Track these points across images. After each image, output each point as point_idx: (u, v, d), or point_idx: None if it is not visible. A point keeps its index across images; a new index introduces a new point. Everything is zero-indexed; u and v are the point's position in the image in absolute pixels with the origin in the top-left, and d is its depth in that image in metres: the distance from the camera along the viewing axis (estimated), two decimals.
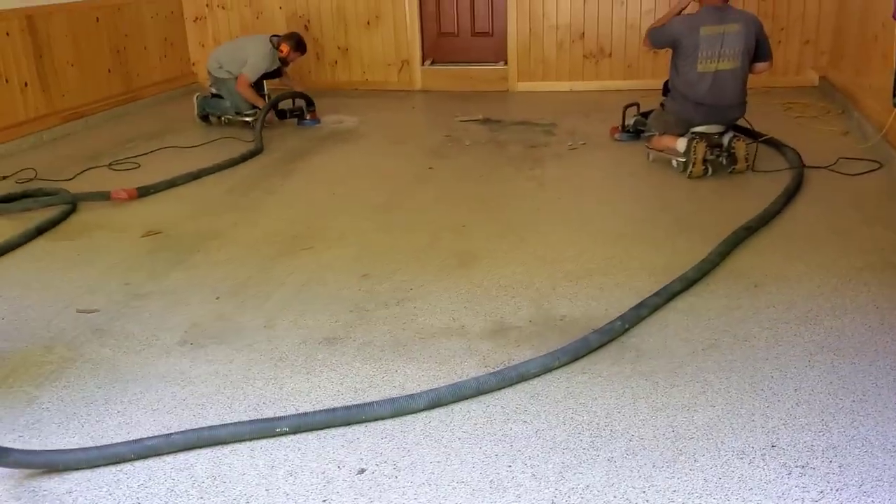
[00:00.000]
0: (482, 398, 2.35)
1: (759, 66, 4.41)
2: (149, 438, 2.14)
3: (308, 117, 6.16)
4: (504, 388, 2.39)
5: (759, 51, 4.33)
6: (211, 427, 2.18)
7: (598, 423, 2.21)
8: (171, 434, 2.15)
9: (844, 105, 5.70)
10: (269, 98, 6.04)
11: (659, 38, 4.46)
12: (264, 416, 2.28)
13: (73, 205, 4.25)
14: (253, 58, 5.87)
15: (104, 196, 4.39)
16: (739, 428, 2.16)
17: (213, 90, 6.11)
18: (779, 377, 2.41)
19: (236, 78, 5.90)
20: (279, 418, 2.22)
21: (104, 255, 3.61)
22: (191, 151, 5.45)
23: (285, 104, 6.14)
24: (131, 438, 2.18)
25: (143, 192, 4.48)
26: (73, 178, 4.84)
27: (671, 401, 2.30)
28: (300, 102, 6.17)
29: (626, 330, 2.70)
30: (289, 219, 4.03)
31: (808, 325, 2.72)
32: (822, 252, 3.33)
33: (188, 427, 2.23)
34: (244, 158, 5.16)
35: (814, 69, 6.72)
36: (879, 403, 2.25)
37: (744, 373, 2.44)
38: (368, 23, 7.41)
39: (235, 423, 2.20)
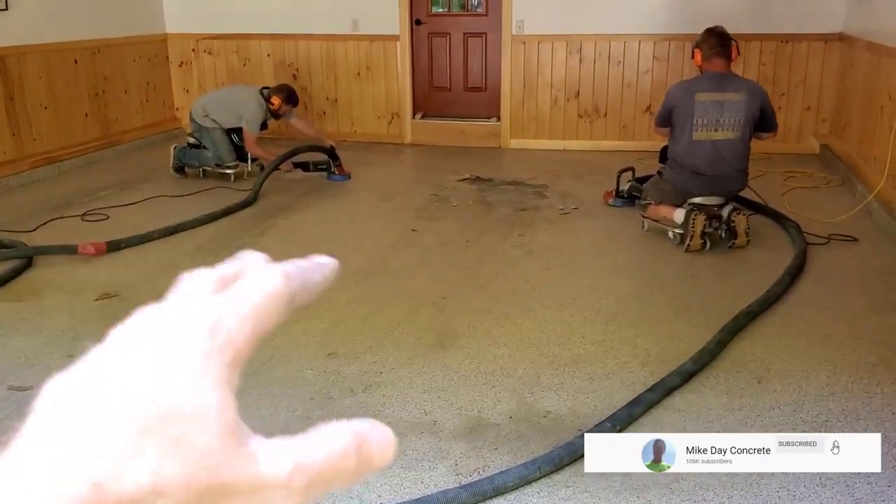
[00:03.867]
0: None
1: (765, 134, 4.22)
2: None
3: (336, 172, 5.89)
4: (477, 503, 2.10)
5: (763, 121, 4.13)
6: None
7: None
8: None
9: (846, 175, 5.50)
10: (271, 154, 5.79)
11: (660, 113, 4.28)
12: None
13: (28, 260, 3.97)
14: (249, 112, 5.63)
15: (71, 250, 4.10)
16: None
17: (192, 140, 5.84)
18: (787, 498, 2.13)
19: (222, 129, 5.67)
20: None
21: (52, 320, 3.32)
22: (167, 202, 5.21)
23: (307, 157, 5.87)
24: None
25: (114, 247, 4.19)
26: (36, 229, 4.57)
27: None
28: (321, 155, 5.90)
29: (617, 432, 2.43)
30: None
31: (817, 431, 2.45)
32: (830, 343, 3.07)
33: None
34: (233, 210, 4.92)
35: (815, 137, 6.54)
36: None
37: (747, 490, 2.16)
38: (359, 73, 7.23)
39: None
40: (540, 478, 2.20)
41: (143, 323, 0.31)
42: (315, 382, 2.76)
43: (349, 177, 5.91)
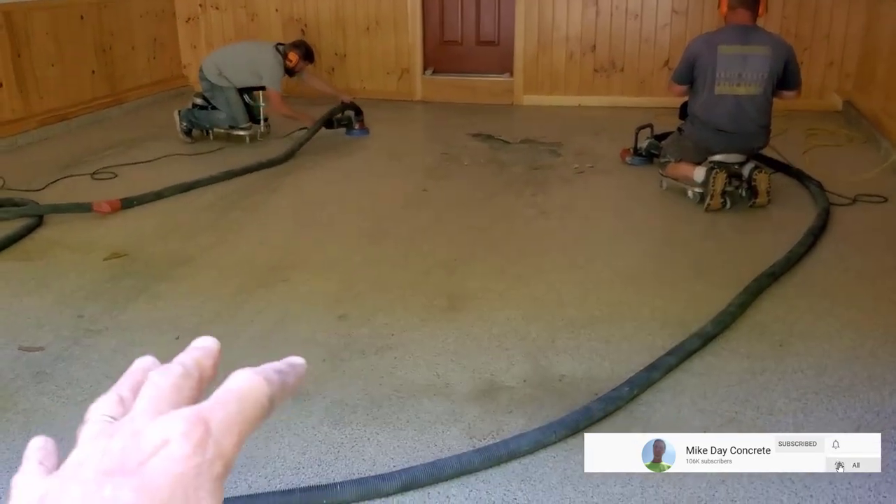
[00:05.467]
0: (465, 479, 2.02)
1: (787, 93, 4.07)
2: None
3: (357, 127, 5.83)
4: (490, 467, 2.06)
5: (787, 77, 3.99)
6: None
7: None
8: None
9: (870, 133, 5.36)
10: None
11: (679, 68, 4.13)
12: None
13: (39, 219, 3.93)
14: (269, 71, 5.44)
15: (85, 208, 4.05)
16: None
17: (198, 101, 5.66)
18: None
19: (236, 88, 5.52)
20: (225, 501, 1.88)
21: (61, 279, 3.28)
22: (180, 160, 5.14)
23: (329, 112, 5.76)
24: None
25: (128, 204, 4.15)
26: (45, 187, 4.52)
27: (685, 492, 1.96)
28: (348, 112, 5.83)
29: (635, 396, 2.37)
30: (268, 244, 3.70)
31: (841, 397, 2.38)
32: (855, 304, 2.99)
33: None
34: (257, 168, 4.87)
35: (838, 93, 6.37)
36: None
37: None
38: (368, 28, 7.08)
39: None
40: (556, 442, 2.15)
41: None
42: (326, 344, 2.71)
43: (368, 132, 5.83)
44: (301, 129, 5.57)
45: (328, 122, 5.71)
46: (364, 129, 5.85)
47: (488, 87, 7.11)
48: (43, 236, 3.79)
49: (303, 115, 5.60)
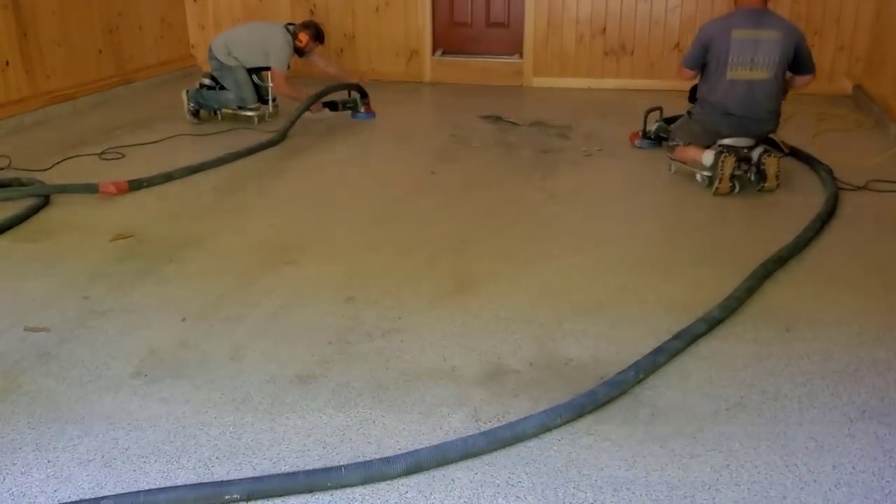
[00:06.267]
0: (470, 462, 2.02)
1: (801, 79, 4.04)
2: None
3: (362, 110, 5.81)
4: (495, 450, 2.06)
5: (799, 63, 3.96)
6: (149, 492, 1.86)
7: (603, 503, 1.87)
8: (102, 499, 1.83)
9: (879, 117, 5.32)
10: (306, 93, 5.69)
11: (691, 53, 4.08)
12: (214, 478, 1.96)
13: (45, 199, 3.93)
14: (277, 51, 5.43)
15: (92, 189, 4.06)
16: None
17: (206, 81, 5.65)
18: (815, 449, 2.07)
19: (245, 68, 5.50)
20: (230, 482, 1.89)
21: (67, 261, 3.29)
22: (187, 141, 5.14)
23: (335, 95, 5.76)
24: (56, 501, 1.86)
25: (136, 186, 4.15)
26: (51, 167, 4.52)
27: (690, 476, 1.96)
28: (354, 94, 5.82)
29: (641, 380, 2.37)
30: (275, 226, 3.70)
31: (847, 382, 2.38)
32: (862, 291, 2.98)
33: (125, 487, 1.92)
34: (258, 149, 4.87)
35: (847, 77, 6.32)
36: None
37: (774, 442, 2.10)
38: (377, 9, 7.05)
39: (178, 488, 1.87)
40: (561, 425, 2.15)
41: None
42: (333, 327, 2.72)
43: (374, 115, 5.81)
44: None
45: (332, 105, 5.70)
46: (370, 112, 5.83)
47: (498, 69, 7.08)
48: (49, 217, 3.80)
49: (304, 95, 5.58)
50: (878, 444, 2.09)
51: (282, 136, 5.13)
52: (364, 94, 5.82)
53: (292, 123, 5.25)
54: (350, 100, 5.79)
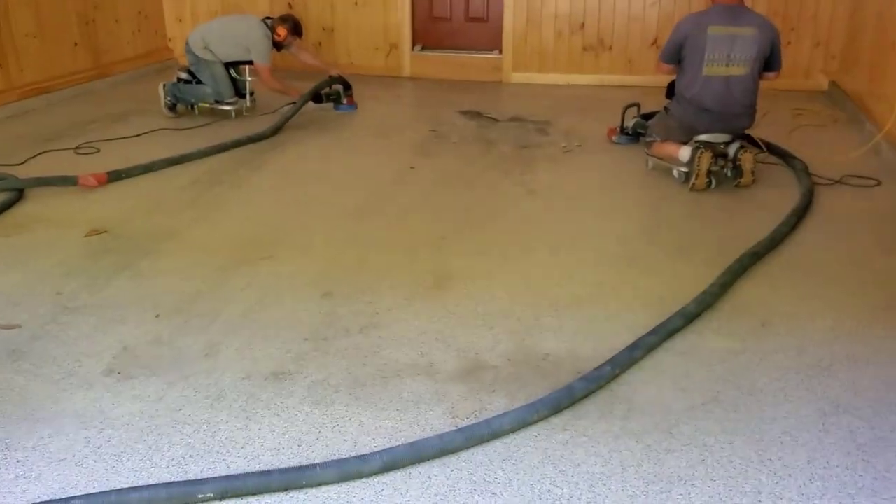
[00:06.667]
0: (447, 459, 2.01)
1: (768, 74, 4.07)
2: None
3: (345, 102, 5.79)
4: (472, 447, 2.06)
5: (770, 59, 3.98)
6: (120, 491, 1.84)
7: (579, 499, 1.87)
8: (72, 499, 1.81)
9: (854, 114, 5.37)
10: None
11: (667, 48, 4.10)
12: (188, 476, 1.94)
13: (19, 193, 3.88)
14: (257, 45, 5.37)
15: (71, 181, 4.02)
16: None
17: (183, 75, 5.59)
18: (789, 444, 2.08)
19: (222, 62, 5.44)
20: (203, 481, 1.88)
21: (40, 256, 3.24)
22: (165, 135, 5.10)
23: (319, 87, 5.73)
24: (24, 502, 1.84)
25: (115, 178, 4.12)
26: (25, 161, 4.46)
27: (665, 471, 1.97)
28: (337, 86, 5.79)
29: (617, 376, 2.37)
30: (252, 221, 3.67)
31: (821, 377, 2.40)
32: (836, 286, 3.00)
33: (97, 487, 1.89)
34: (246, 142, 4.87)
35: (823, 73, 6.37)
36: None
37: (749, 437, 2.11)
38: (356, 2, 7.01)
39: (150, 487, 1.85)
40: (538, 421, 2.15)
41: None
42: (310, 323, 2.70)
43: (356, 107, 5.80)
44: (289, 103, 5.53)
45: (316, 97, 5.67)
46: (352, 104, 5.82)
47: (477, 64, 7.07)
48: (23, 211, 3.75)
49: (292, 89, 5.56)
50: (852, 437, 2.11)
51: (275, 130, 5.11)
52: (348, 87, 5.80)
53: (287, 119, 5.24)
54: (333, 91, 5.76)
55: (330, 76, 5.76)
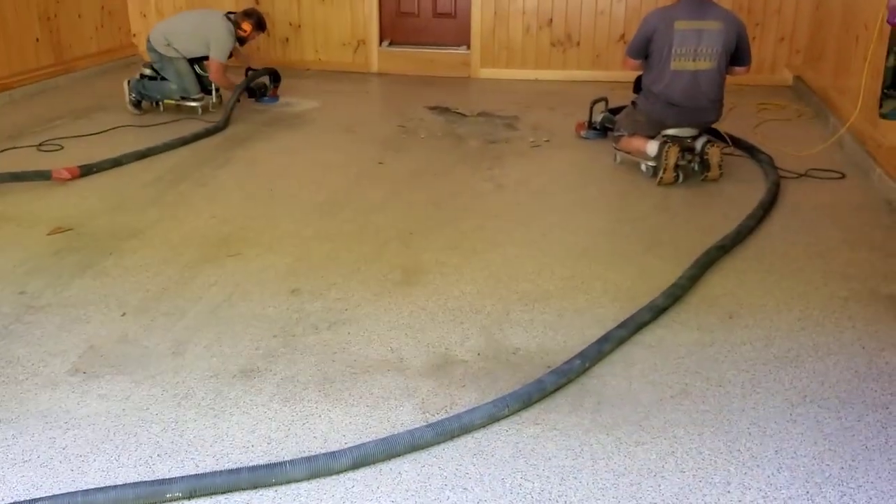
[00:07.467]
0: (417, 455, 2.01)
1: (738, 69, 4.10)
2: None
3: (269, 94, 5.74)
4: (443, 442, 2.05)
5: (738, 54, 4.02)
6: (87, 492, 1.81)
7: (550, 493, 1.88)
8: (37, 500, 1.78)
9: (819, 108, 5.44)
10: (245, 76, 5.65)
11: (634, 43, 4.11)
12: (156, 476, 1.91)
13: None
14: (218, 40, 5.30)
15: (45, 175, 3.99)
16: (713, 501, 1.85)
17: (147, 71, 5.49)
18: (757, 435, 2.10)
19: (186, 59, 5.37)
20: (171, 480, 1.85)
21: (3, 254, 3.18)
22: (130, 132, 5.03)
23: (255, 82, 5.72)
24: None
25: (86, 171, 4.13)
26: None
27: (636, 463, 1.98)
28: (264, 79, 5.77)
29: (587, 369, 2.38)
30: (219, 217, 3.63)
31: (788, 367, 2.43)
32: (802, 277, 3.04)
33: (63, 487, 1.86)
34: (204, 135, 4.86)
35: (788, 68, 6.45)
36: (871, 472, 1.95)
37: (718, 428, 2.13)
38: None
39: (117, 487, 1.82)
40: (508, 415, 2.15)
41: None
42: (278, 320, 2.68)
43: (278, 99, 5.83)
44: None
45: (250, 91, 5.65)
46: (275, 97, 5.82)
47: (445, 59, 7.05)
48: None
49: (233, 85, 5.52)
50: (819, 428, 2.14)
51: (225, 122, 5.13)
52: (276, 78, 5.79)
53: (231, 109, 5.28)
54: (258, 84, 5.75)
55: (255, 70, 5.73)
